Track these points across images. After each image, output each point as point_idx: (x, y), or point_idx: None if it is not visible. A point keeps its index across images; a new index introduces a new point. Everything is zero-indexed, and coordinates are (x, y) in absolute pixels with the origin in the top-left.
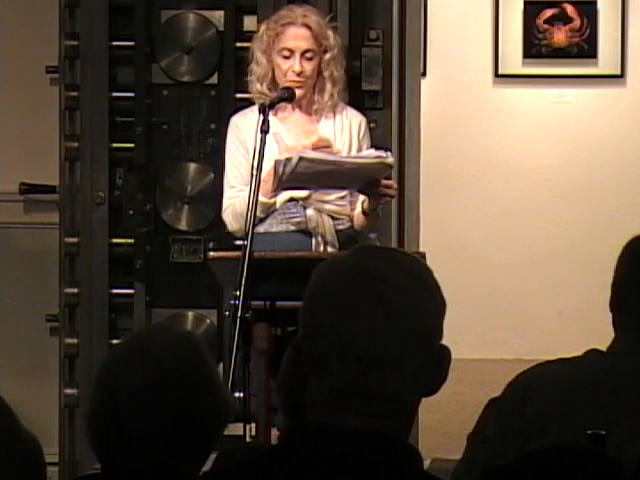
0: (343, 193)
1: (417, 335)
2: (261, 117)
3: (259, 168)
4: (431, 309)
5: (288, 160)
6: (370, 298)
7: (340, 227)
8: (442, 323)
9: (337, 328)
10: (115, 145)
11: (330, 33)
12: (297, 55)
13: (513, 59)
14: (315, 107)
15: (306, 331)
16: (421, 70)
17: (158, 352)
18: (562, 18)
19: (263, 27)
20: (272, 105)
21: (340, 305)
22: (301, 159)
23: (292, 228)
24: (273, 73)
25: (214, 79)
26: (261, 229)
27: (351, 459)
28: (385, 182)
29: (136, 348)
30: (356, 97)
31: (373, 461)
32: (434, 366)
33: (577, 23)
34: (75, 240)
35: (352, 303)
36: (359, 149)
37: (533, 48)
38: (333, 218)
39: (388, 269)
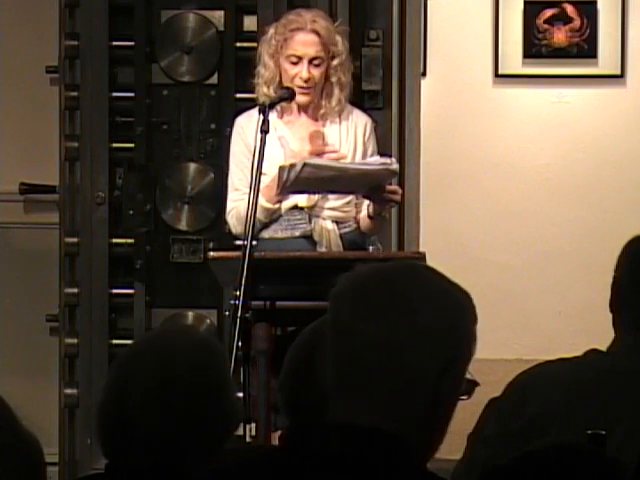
0: (348, 198)
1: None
2: (261, 117)
3: (259, 168)
4: (443, 335)
5: (292, 166)
6: (391, 305)
7: (345, 230)
8: (458, 356)
9: (355, 327)
10: (115, 145)
11: (338, 38)
12: (305, 62)
13: (513, 59)
14: (322, 112)
15: (329, 328)
16: (421, 70)
17: (172, 354)
18: (562, 18)
19: (272, 31)
20: (272, 105)
21: (359, 305)
22: (305, 165)
23: (297, 234)
24: (280, 77)
25: (214, 79)
26: (265, 234)
27: (353, 458)
28: (390, 187)
29: (151, 347)
30: (356, 97)
31: (375, 460)
32: (432, 389)
33: (577, 23)
34: (75, 240)
35: (372, 305)
36: (364, 152)
37: (533, 48)
38: (338, 222)
39: (417, 285)
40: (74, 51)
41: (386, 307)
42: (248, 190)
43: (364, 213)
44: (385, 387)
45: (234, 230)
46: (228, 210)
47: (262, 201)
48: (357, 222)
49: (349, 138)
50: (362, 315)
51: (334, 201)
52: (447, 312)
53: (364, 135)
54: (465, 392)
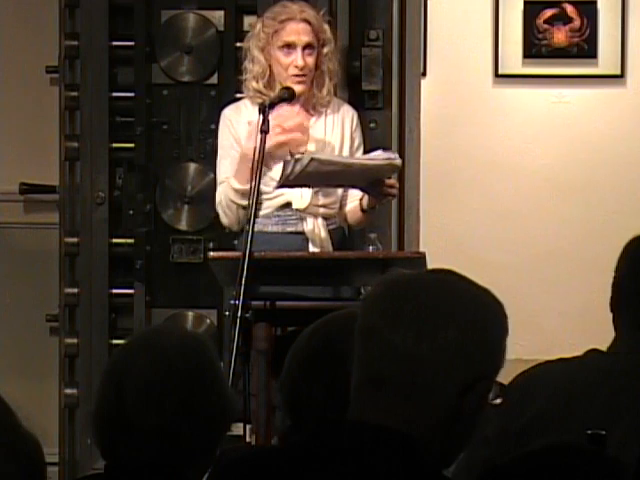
0: (338, 195)
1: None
2: (261, 117)
3: (259, 169)
4: (467, 350)
5: (297, 160)
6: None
7: (331, 227)
8: (486, 373)
9: (380, 334)
10: (115, 145)
11: (326, 27)
12: (299, 49)
13: (513, 59)
14: (313, 102)
15: (357, 329)
16: (421, 70)
17: (166, 350)
18: (562, 18)
19: (259, 25)
20: (272, 105)
21: (386, 313)
22: (312, 160)
23: (289, 230)
24: (270, 71)
25: (214, 79)
26: (255, 228)
27: (352, 456)
28: (388, 181)
29: (144, 345)
30: (356, 97)
31: (376, 457)
32: (455, 400)
33: (577, 23)
34: (75, 240)
35: (398, 315)
36: (351, 143)
37: (533, 48)
38: (325, 219)
39: (448, 299)
40: (74, 51)
41: (413, 319)
42: None
43: (353, 205)
44: (403, 394)
45: (223, 220)
46: (218, 201)
47: (234, 183)
48: (343, 217)
49: (335, 130)
50: (388, 323)
51: (324, 198)
52: (477, 330)
53: (351, 127)
54: (497, 396)
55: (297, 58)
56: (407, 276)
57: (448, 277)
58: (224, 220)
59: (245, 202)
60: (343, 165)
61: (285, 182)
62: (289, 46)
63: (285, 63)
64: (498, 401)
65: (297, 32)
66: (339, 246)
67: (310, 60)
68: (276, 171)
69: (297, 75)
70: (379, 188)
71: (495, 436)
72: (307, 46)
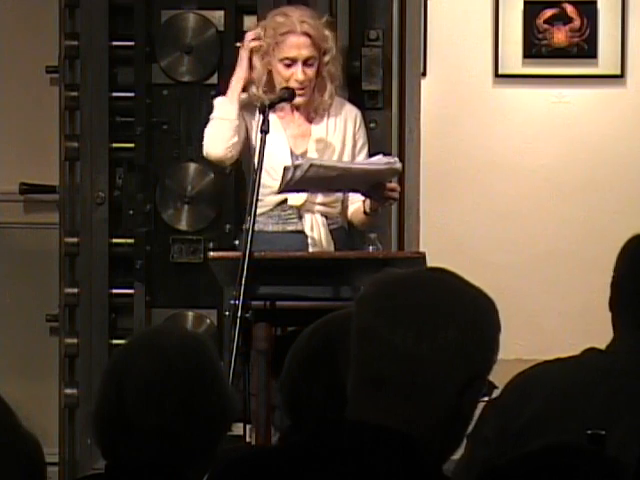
0: (338, 194)
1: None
2: (261, 117)
3: (259, 169)
4: (469, 350)
5: (297, 166)
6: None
7: (332, 227)
8: (482, 371)
9: (377, 334)
10: (115, 145)
11: (328, 34)
12: (299, 63)
13: (513, 59)
14: (315, 105)
15: (352, 329)
16: (421, 70)
17: (166, 350)
18: (562, 18)
19: (259, 32)
20: (272, 105)
21: (383, 313)
22: (311, 166)
23: (289, 229)
24: (269, 76)
25: (214, 79)
26: (255, 227)
27: (353, 456)
28: (389, 185)
29: (144, 345)
30: (356, 97)
31: (376, 457)
32: (454, 400)
33: (577, 23)
34: (75, 240)
35: (396, 315)
36: (354, 143)
37: (533, 48)
38: (326, 217)
39: (444, 299)
40: (74, 51)
41: (412, 319)
42: None
43: (357, 206)
44: (403, 394)
45: (206, 149)
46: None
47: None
48: (345, 218)
49: (337, 131)
50: (385, 324)
51: (322, 196)
52: (476, 329)
53: (354, 128)
54: (485, 394)
55: (297, 72)
56: (402, 275)
57: (443, 276)
58: (206, 149)
59: (217, 113)
60: (342, 170)
61: (286, 188)
62: (290, 60)
63: (285, 76)
64: (486, 398)
65: (297, 46)
66: (342, 246)
67: (310, 72)
68: (279, 169)
69: (297, 88)
70: (380, 192)
71: (494, 436)
72: (308, 59)
